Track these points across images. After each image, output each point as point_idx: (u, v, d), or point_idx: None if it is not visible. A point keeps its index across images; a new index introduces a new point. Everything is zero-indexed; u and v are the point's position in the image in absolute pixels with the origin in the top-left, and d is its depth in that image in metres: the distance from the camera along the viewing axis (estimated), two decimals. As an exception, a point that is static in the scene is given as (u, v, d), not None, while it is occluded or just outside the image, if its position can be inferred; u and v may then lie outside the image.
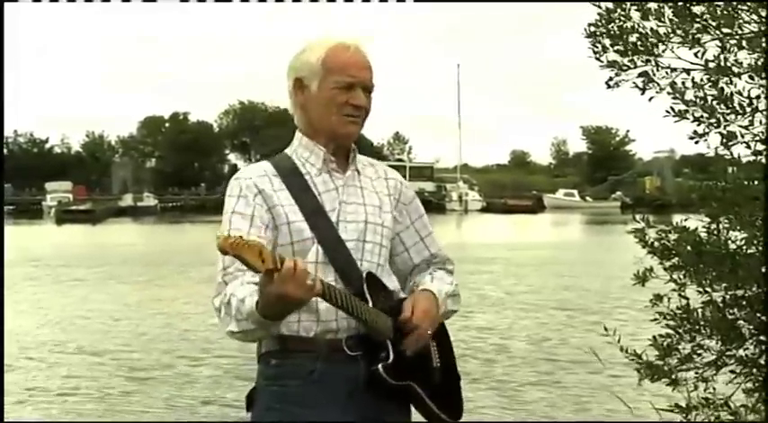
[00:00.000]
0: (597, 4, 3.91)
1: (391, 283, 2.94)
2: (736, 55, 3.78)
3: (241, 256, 2.34)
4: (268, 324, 2.58)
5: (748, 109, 3.76)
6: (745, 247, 3.89)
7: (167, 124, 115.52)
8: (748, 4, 3.78)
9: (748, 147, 3.82)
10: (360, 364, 2.75)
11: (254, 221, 2.74)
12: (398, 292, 2.95)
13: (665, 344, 4.03)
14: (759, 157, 3.85)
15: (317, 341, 2.74)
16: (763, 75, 3.76)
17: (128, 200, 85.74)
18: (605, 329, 4.38)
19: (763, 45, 3.74)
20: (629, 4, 3.87)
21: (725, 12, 3.78)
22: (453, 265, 3.16)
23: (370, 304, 2.74)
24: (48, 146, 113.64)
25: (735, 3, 3.78)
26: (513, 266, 26.32)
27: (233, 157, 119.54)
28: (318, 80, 2.82)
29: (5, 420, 8.10)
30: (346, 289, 2.73)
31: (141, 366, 11.81)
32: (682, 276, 4.03)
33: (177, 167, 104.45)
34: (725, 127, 3.79)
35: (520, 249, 33.64)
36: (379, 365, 2.71)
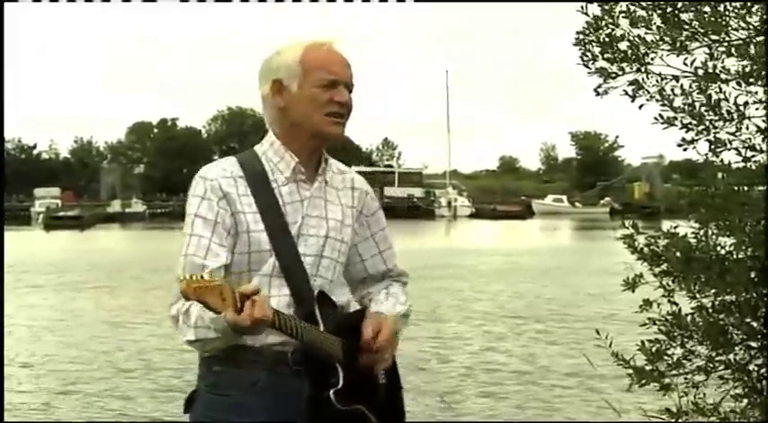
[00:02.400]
0: (585, 11, 3.92)
1: (343, 296, 2.92)
2: (723, 62, 3.80)
3: (203, 301, 2.35)
4: (232, 335, 2.53)
5: (736, 116, 3.78)
6: (734, 253, 3.91)
7: (155, 130, 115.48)
8: (736, 11, 3.80)
9: (739, 153, 3.84)
10: (303, 381, 2.71)
11: (217, 228, 2.70)
12: (349, 305, 2.94)
13: (653, 349, 4.04)
14: (748, 164, 3.86)
15: (263, 352, 2.71)
16: (751, 81, 3.78)
17: (116, 206, 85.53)
18: (597, 333, 4.36)
19: (752, 52, 3.76)
20: (617, 11, 3.88)
21: (713, 19, 3.79)
22: (407, 277, 3.14)
23: (321, 327, 2.72)
24: (36, 152, 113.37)
25: (723, 10, 3.80)
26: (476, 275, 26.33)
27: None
28: (299, 80, 2.76)
29: (5, 420, 8.09)
30: (297, 307, 2.72)
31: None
32: (671, 282, 4.04)
33: (166, 173, 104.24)
34: (713, 134, 3.81)
35: (501, 255, 33.67)
36: (330, 392, 2.68)
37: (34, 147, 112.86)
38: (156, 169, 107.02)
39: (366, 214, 3.00)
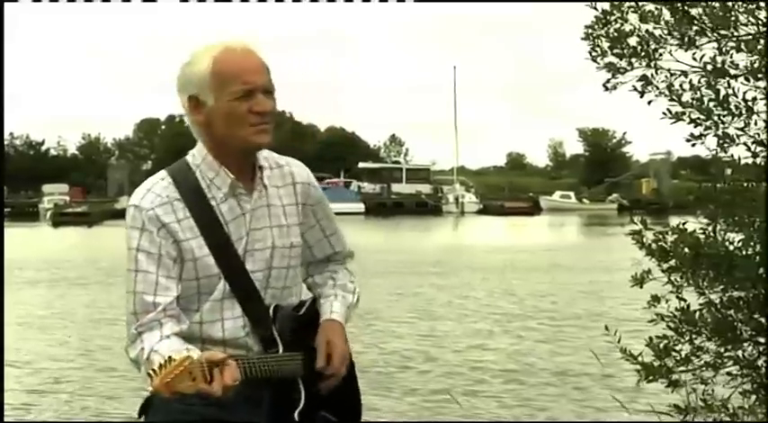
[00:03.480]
0: (594, 6, 3.91)
1: (297, 297, 2.89)
2: (732, 57, 3.80)
3: (177, 392, 2.32)
4: None
5: (745, 111, 3.77)
6: (742, 249, 3.90)
7: (163, 127, 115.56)
8: (745, 6, 3.79)
9: (748, 149, 3.83)
10: (265, 387, 2.70)
11: (161, 261, 2.60)
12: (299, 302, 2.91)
13: (661, 345, 4.04)
14: (757, 159, 3.86)
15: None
16: (760, 76, 3.77)
17: (124, 202, 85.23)
18: (606, 329, 4.35)
19: (760, 47, 3.75)
20: (626, 6, 3.87)
21: (721, 14, 3.79)
22: (353, 257, 3.10)
23: (281, 348, 2.70)
24: (44, 148, 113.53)
25: (731, 5, 3.79)
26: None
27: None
28: (214, 93, 2.61)
29: (5, 420, 8.09)
30: (253, 328, 2.69)
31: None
32: (679, 278, 4.04)
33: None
34: (722, 129, 3.80)
35: (512, 252, 33.65)
36: (295, 413, 2.68)
37: (42, 143, 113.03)
38: (163, 166, 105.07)
39: (310, 204, 2.92)
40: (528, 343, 13.84)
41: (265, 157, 2.81)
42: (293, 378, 2.72)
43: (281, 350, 2.70)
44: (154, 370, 2.31)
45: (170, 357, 2.32)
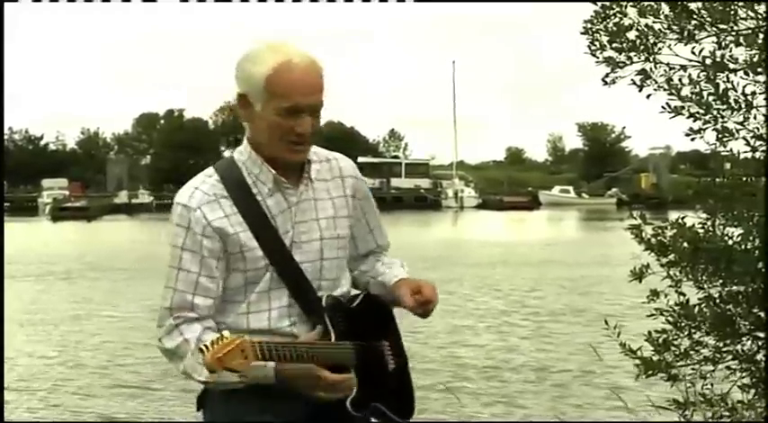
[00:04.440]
0: (593, 0, 3.91)
1: (347, 285, 2.93)
2: (731, 51, 3.79)
3: (228, 368, 2.38)
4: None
5: (744, 105, 3.77)
6: (741, 243, 3.90)
7: (162, 121, 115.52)
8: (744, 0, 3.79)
9: (748, 143, 3.83)
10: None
11: (204, 261, 2.66)
12: (350, 292, 2.95)
13: (660, 340, 4.04)
14: (756, 153, 3.86)
15: None
16: (759, 70, 3.77)
17: (123, 197, 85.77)
18: (606, 323, 4.34)
19: (760, 41, 3.75)
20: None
21: (721, 8, 3.78)
22: (388, 248, 3.15)
23: (333, 337, 2.72)
24: (43, 143, 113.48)
25: (731, -1, 3.80)
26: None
27: (228, 154, 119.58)
28: (262, 102, 2.67)
29: (5, 420, 8.08)
30: (306, 317, 2.73)
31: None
32: (678, 273, 4.04)
33: (172, 164, 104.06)
34: (721, 123, 3.80)
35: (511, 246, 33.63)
36: (347, 403, 2.69)
37: (41, 138, 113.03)
38: (162, 160, 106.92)
39: (359, 197, 2.97)
40: (512, 339, 13.87)
41: (314, 151, 2.86)
42: (345, 368, 2.72)
43: (333, 339, 2.72)
44: (206, 346, 2.37)
45: (222, 334, 2.39)
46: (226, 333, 2.41)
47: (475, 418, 9.31)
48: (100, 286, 22.05)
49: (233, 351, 2.37)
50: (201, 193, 2.74)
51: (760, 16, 3.80)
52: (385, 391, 2.83)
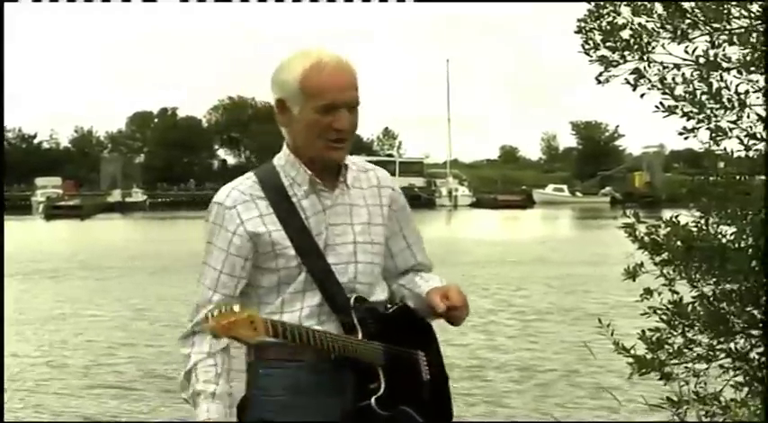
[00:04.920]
0: (588, -1, 3.92)
1: (382, 295, 2.91)
2: (724, 50, 3.81)
3: (235, 337, 2.40)
4: None
5: (737, 104, 3.79)
6: (735, 242, 3.91)
7: (156, 120, 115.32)
8: (738, -1, 3.80)
9: (741, 142, 3.84)
10: (345, 378, 2.74)
11: (229, 259, 2.72)
12: (386, 302, 2.93)
13: (653, 338, 4.05)
14: (749, 152, 3.87)
15: (305, 351, 2.71)
16: (753, 69, 3.78)
17: (116, 195, 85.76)
18: (599, 322, 4.33)
19: (753, 40, 3.76)
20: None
21: (714, 7, 3.80)
22: (432, 270, 3.12)
23: (360, 334, 2.73)
24: (36, 141, 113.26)
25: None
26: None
27: (222, 153, 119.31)
28: (299, 104, 2.71)
29: (5, 420, 8.06)
30: (335, 316, 2.74)
31: None
32: (671, 271, 4.05)
33: (166, 163, 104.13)
34: (714, 122, 3.81)
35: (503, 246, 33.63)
36: (372, 400, 2.69)
37: (35, 136, 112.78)
38: (156, 159, 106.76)
39: (395, 210, 2.98)
40: (498, 338, 13.85)
41: (353, 161, 2.89)
42: (373, 366, 2.73)
43: (360, 337, 2.73)
44: (212, 313, 2.40)
45: (230, 306, 2.43)
46: (236, 307, 2.43)
47: (461, 418, 9.28)
48: (86, 285, 21.96)
49: (243, 321, 2.38)
50: (238, 192, 2.78)
51: (753, 15, 3.82)
52: (417, 398, 2.82)
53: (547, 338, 13.28)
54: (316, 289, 2.74)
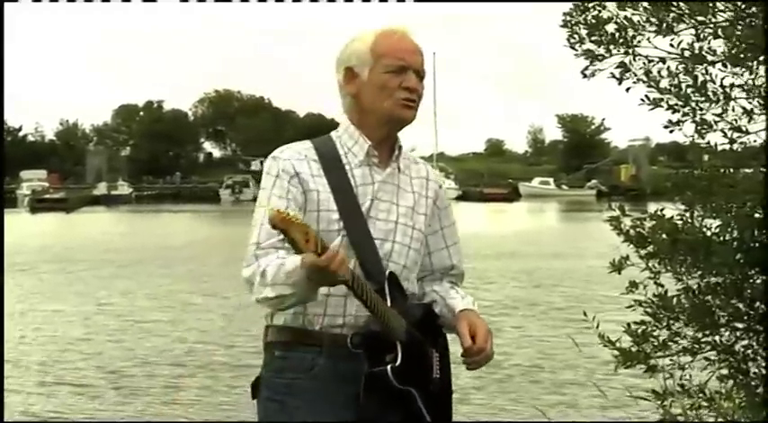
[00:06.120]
0: (573, -8, 3.93)
1: (412, 286, 2.93)
2: (710, 43, 3.82)
3: (288, 232, 2.37)
4: (307, 289, 2.55)
5: (722, 97, 3.80)
6: (720, 235, 3.93)
7: (141, 113, 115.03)
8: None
9: (725, 135, 3.86)
10: (362, 363, 2.73)
11: (290, 204, 2.73)
12: (415, 297, 2.95)
13: (639, 331, 4.07)
14: (734, 145, 3.89)
15: (321, 335, 2.76)
16: (737, 62, 3.80)
17: (102, 188, 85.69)
18: (584, 315, 4.34)
19: (738, 33, 3.78)
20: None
21: (699, 0, 3.81)
22: (463, 279, 3.16)
23: (389, 301, 2.74)
24: (21, 134, 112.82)
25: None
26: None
27: (208, 146, 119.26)
28: (369, 67, 2.81)
29: (5, 420, 8.00)
30: (365, 278, 2.72)
31: None
32: (657, 264, 4.06)
33: (152, 156, 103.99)
34: (699, 115, 3.82)
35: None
36: (388, 367, 2.69)
37: (20, 129, 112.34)
38: (142, 152, 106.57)
39: (439, 206, 3.03)
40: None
41: (405, 151, 2.97)
42: (392, 340, 2.73)
43: (388, 304, 2.74)
44: (278, 209, 2.41)
45: (293, 213, 2.43)
46: (300, 215, 2.51)
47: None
48: (53, 279, 21.79)
49: (300, 225, 2.39)
50: (293, 150, 2.87)
51: (738, 8, 3.83)
52: (425, 388, 2.83)
53: (512, 333, 13.19)
54: (354, 257, 2.74)
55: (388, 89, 2.80)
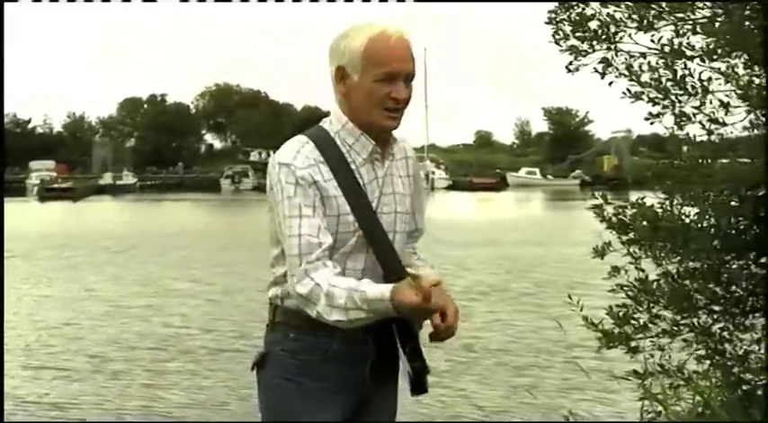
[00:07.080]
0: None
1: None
2: (688, 39, 3.94)
3: (434, 303, 2.55)
4: (388, 313, 2.63)
5: (700, 90, 3.92)
6: (698, 222, 4.07)
7: (145, 106, 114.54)
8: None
9: (703, 127, 3.98)
10: (370, 346, 2.86)
11: (318, 211, 2.76)
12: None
13: (620, 314, 4.19)
14: (711, 137, 4.01)
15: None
16: (715, 57, 3.92)
17: (107, 178, 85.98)
18: (569, 298, 4.46)
19: (716, 28, 3.89)
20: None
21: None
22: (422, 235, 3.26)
23: None
24: (30, 126, 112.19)
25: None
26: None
27: (209, 138, 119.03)
28: (360, 72, 2.77)
29: (5, 420, 8.01)
30: (387, 278, 2.81)
31: None
32: (638, 250, 4.19)
33: (156, 147, 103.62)
34: (678, 108, 3.95)
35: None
36: (407, 347, 2.85)
37: (29, 121, 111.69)
38: (146, 143, 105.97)
39: (412, 175, 3.09)
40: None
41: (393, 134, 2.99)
42: (411, 324, 2.87)
43: None
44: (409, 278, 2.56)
45: (420, 275, 2.58)
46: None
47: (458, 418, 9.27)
48: (46, 265, 21.69)
49: (439, 289, 2.56)
50: (303, 156, 2.82)
51: (716, 5, 3.95)
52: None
53: (483, 318, 13.21)
54: (360, 253, 2.83)
55: (375, 98, 2.77)
